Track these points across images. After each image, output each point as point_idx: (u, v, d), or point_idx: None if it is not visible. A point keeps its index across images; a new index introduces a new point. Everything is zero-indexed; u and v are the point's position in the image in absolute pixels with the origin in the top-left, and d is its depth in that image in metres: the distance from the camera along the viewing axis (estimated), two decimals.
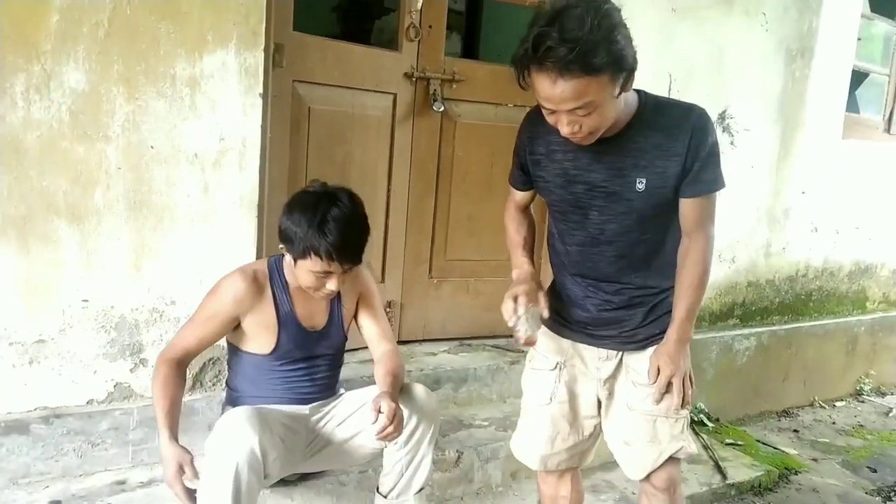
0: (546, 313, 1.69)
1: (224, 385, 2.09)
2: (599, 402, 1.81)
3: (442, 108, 2.71)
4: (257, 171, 2.18)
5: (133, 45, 1.94)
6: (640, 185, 1.59)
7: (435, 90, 2.71)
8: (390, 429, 1.75)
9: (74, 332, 2.00)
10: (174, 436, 1.69)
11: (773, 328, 3.75)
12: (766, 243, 3.67)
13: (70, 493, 1.93)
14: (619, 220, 1.64)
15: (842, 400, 4.11)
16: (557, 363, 1.81)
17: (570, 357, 1.80)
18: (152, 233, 2.06)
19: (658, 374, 1.68)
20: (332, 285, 1.79)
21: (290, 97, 2.41)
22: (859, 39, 3.88)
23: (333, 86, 2.52)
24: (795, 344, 3.84)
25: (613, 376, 1.77)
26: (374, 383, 2.03)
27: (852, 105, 4.07)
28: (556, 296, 1.82)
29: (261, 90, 2.15)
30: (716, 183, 1.59)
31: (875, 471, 3.21)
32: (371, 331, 2.02)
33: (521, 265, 1.82)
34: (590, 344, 1.77)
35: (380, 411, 1.75)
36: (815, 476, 3.01)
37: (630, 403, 1.73)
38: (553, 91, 1.41)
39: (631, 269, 1.69)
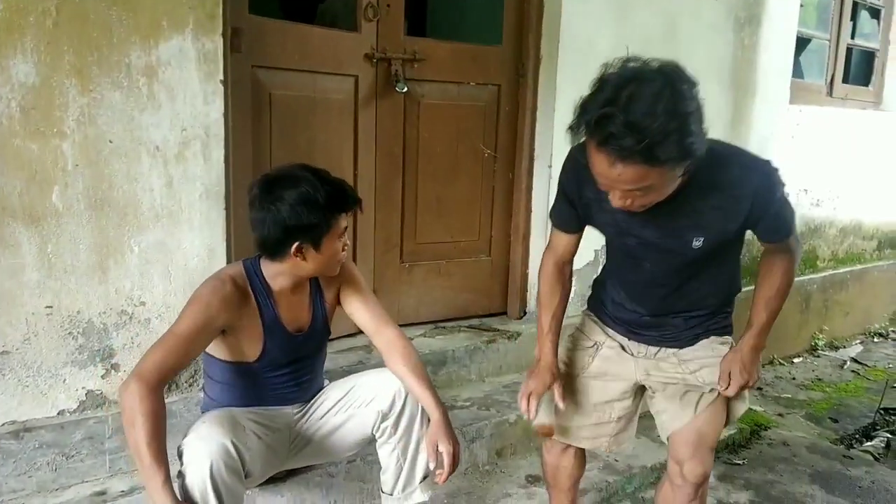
0: (562, 405, 1.73)
1: (201, 388, 2.02)
2: (636, 393, 1.83)
3: (405, 89, 2.66)
4: (222, 161, 2.11)
5: (84, 33, 1.83)
6: (698, 242, 1.54)
7: (396, 71, 2.66)
8: (450, 472, 1.74)
9: (40, 340, 1.89)
10: (169, 481, 1.49)
11: None
12: None
13: None
14: (674, 268, 1.62)
15: (799, 356, 4.28)
16: (595, 343, 1.83)
17: (610, 340, 1.82)
18: (116, 231, 1.96)
19: (729, 379, 1.69)
20: (346, 240, 1.77)
21: (250, 83, 2.33)
22: (802, 6, 3.98)
23: (293, 70, 2.44)
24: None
25: (656, 359, 1.78)
26: (352, 372, 2.00)
27: (797, 70, 4.19)
28: (601, 289, 1.84)
29: (221, 77, 2.07)
30: (790, 225, 1.61)
31: (836, 421, 3.36)
32: (365, 317, 1.92)
33: (543, 353, 1.77)
34: (630, 339, 1.79)
35: (438, 450, 1.73)
36: (784, 430, 3.12)
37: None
38: (610, 172, 1.33)
39: (683, 300, 1.69)
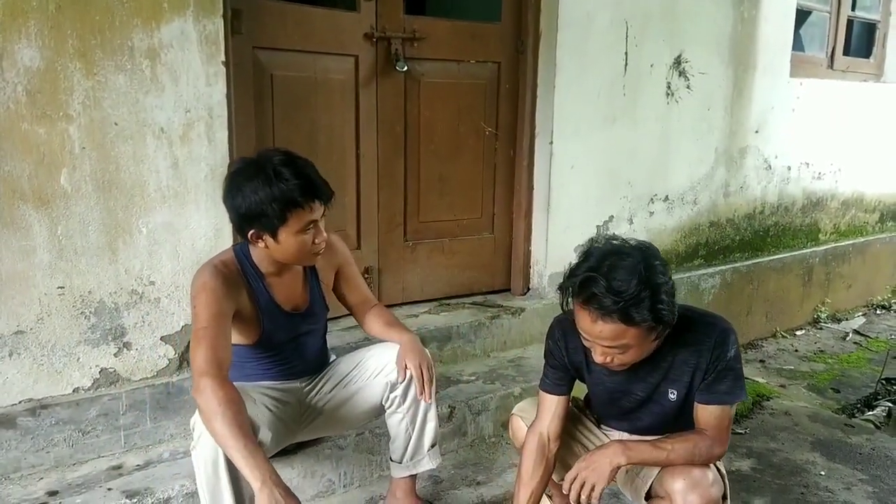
0: None
1: None
2: None
3: (405, 68, 2.68)
4: (226, 142, 2.14)
5: (86, 17, 1.86)
6: (672, 395, 1.72)
7: (396, 50, 2.67)
8: (427, 385, 1.81)
9: (53, 320, 1.94)
10: (277, 477, 1.49)
11: (736, 265, 3.88)
12: (725, 183, 3.78)
13: (66, 482, 1.90)
14: (656, 417, 1.78)
15: (801, 329, 4.31)
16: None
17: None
18: (124, 212, 2.00)
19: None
20: (320, 237, 1.73)
21: (252, 65, 2.35)
22: None
23: (294, 51, 2.46)
24: (756, 279, 3.99)
25: None
26: (359, 348, 2.05)
27: (797, 43, 4.18)
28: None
29: (223, 58, 2.09)
30: (728, 395, 1.67)
31: (838, 391, 3.39)
32: (354, 299, 2.02)
33: None
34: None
35: (406, 369, 1.81)
36: (786, 400, 3.16)
37: None
38: (592, 328, 1.53)
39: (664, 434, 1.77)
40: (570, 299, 1.57)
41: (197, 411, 1.62)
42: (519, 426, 1.90)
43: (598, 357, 1.60)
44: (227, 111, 2.13)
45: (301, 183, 1.65)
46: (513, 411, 1.95)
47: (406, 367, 1.84)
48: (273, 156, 1.68)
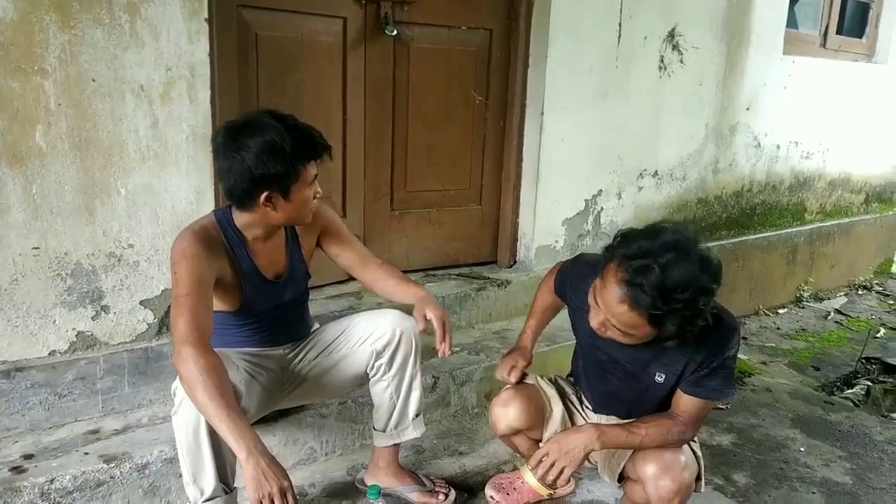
0: (511, 379, 1.91)
1: None
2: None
3: (395, 32, 2.61)
4: (209, 102, 2.07)
5: None
6: (660, 378, 1.68)
7: (386, 13, 2.60)
8: (448, 335, 1.77)
9: (28, 281, 1.89)
10: (262, 447, 1.45)
11: (722, 242, 3.88)
12: (714, 160, 3.76)
13: (42, 446, 1.87)
14: (637, 394, 1.75)
15: (784, 307, 4.34)
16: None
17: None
18: (101, 172, 1.94)
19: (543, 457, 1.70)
20: (318, 188, 1.72)
21: (236, 23, 2.27)
22: None
23: (280, 10, 2.39)
24: (742, 257, 4.00)
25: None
26: (343, 317, 2.01)
27: (791, 21, 4.14)
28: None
29: (206, 15, 2.02)
30: (717, 392, 1.64)
31: (818, 369, 3.43)
32: (351, 258, 1.94)
33: (523, 338, 2.01)
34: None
35: (427, 318, 1.76)
36: (767, 377, 3.18)
37: None
38: (615, 307, 1.47)
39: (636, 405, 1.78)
40: (608, 264, 1.49)
41: (178, 377, 1.59)
42: (498, 418, 1.89)
43: (594, 322, 1.57)
44: (209, 70, 2.07)
45: (308, 136, 1.64)
46: (494, 402, 1.93)
47: (426, 317, 1.78)
48: (263, 114, 1.64)
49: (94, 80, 1.88)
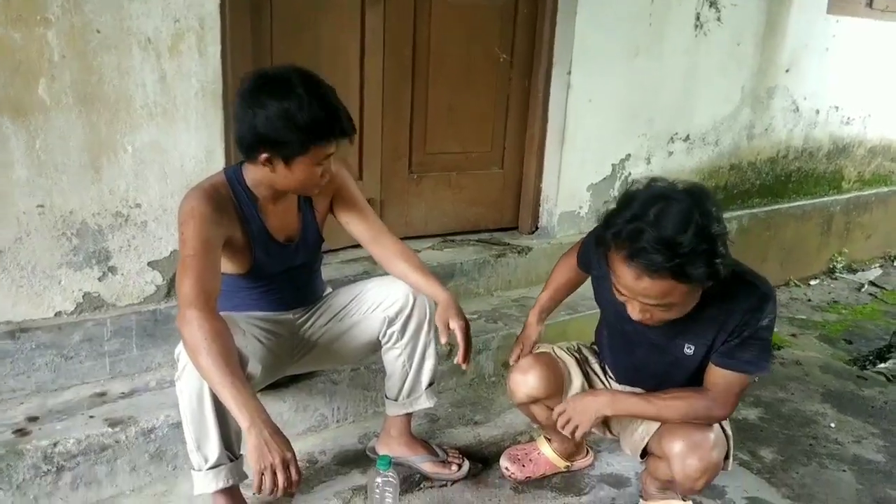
0: (511, 362, 1.85)
1: None
2: None
3: None
4: (219, 56, 1.98)
5: None
6: (689, 350, 1.56)
7: None
8: (469, 350, 1.69)
9: (32, 240, 1.84)
10: (266, 416, 1.40)
11: (754, 210, 3.74)
12: (750, 125, 3.59)
13: (47, 408, 1.84)
14: (665, 368, 1.63)
15: (816, 278, 4.18)
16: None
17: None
18: (108, 128, 1.87)
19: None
20: (329, 167, 1.61)
21: None
22: None
23: None
24: (774, 226, 3.85)
25: None
26: (359, 280, 1.94)
27: None
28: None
29: None
30: (750, 365, 1.51)
31: (850, 342, 3.30)
32: (360, 227, 1.84)
33: (532, 316, 1.90)
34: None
35: (449, 327, 1.67)
36: (797, 350, 3.07)
37: None
38: (636, 285, 1.36)
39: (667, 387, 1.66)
40: (604, 252, 1.40)
41: (181, 341, 1.53)
42: (517, 385, 1.80)
43: (635, 314, 1.45)
44: (220, 23, 1.97)
45: (329, 115, 1.51)
46: (513, 369, 1.84)
47: (448, 327, 1.69)
48: (297, 76, 1.51)
49: (98, 31, 1.80)
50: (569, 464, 2.02)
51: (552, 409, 1.84)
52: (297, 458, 1.41)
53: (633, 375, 1.76)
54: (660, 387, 1.65)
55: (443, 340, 1.70)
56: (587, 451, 2.08)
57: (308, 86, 1.51)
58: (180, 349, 1.52)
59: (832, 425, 2.41)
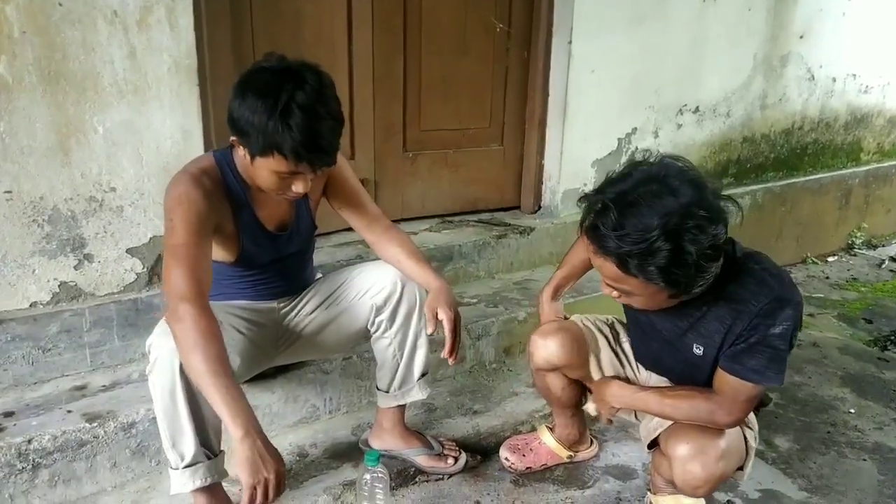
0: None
1: None
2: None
3: None
4: (191, 29, 1.87)
5: None
6: (698, 350, 1.46)
7: None
8: (457, 343, 1.58)
9: (1, 228, 1.74)
10: (258, 427, 1.33)
11: (768, 185, 3.59)
12: (763, 94, 3.43)
13: (24, 402, 1.75)
14: (681, 366, 1.54)
15: (834, 255, 4.04)
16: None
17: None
18: (75, 108, 1.76)
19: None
20: (299, 187, 1.45)
21: None
22: None
23: None
24: (790, 200, 3.70)
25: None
26: (352, 264, 1.83)
27: None
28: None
29: None
30: (755, 374, 1.36)
31: (871, 322, 3.16)
32: (358, 215, 1.73)
33: (544, 296, 1.81)
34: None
35: (437, 318, 1.56)
36: (814, 331, 2.94)
37: None
38: (593, 259, 1.31)
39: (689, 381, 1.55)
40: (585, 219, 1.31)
41: (155, 331, 1.44)
42: (537, 348, 1.71)
43: (603, 288, 1.38)
44: None
45: (303, 141, 1.34)
46: (535, 333, 1.74)
47: (437, 317, 1.57)
48: (303, 82, 1.36)
49: (61, 5, 1.69)
50: (572, 454, 1.92)
51: (569, 380, 1.76)
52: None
53: (657, 366, 1.66)
54: (682, 383, 1.55)
55: (429, 331, 1.59)
56: (591, 441, 1.98)
57: (300, 100, 1.34)
58: (151, 340, 1.43)
59: (852, 411, 2.29)
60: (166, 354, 1.40)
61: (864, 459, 2.02)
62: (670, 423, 1.54)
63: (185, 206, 1.42)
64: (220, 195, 1.51)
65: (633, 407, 1.57)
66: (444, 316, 1.56)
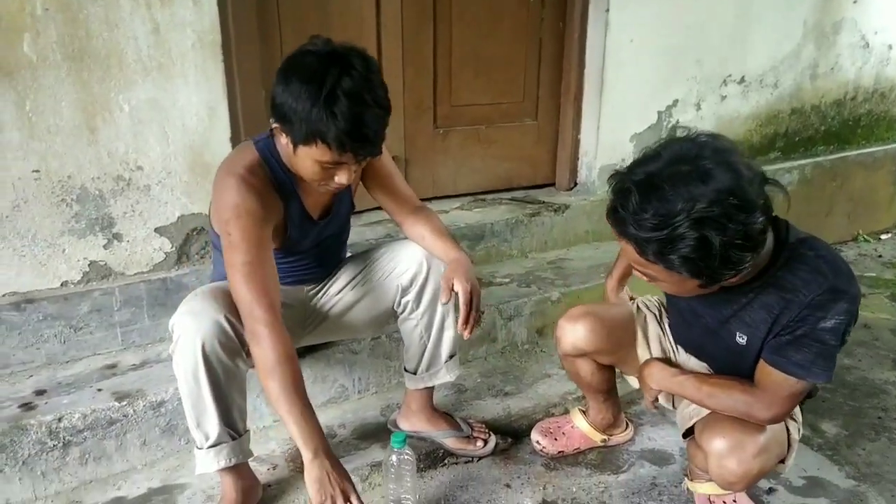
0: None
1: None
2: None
3: None
4: (215, 3, 1.84)
5: None
6: (742, 339, 1.38)
7: None
8: (472, 316, 1.52)
9: (31, 207, 1.75)
10: (328, 448, 1.36)
11: (818, 159, 3.42)
12: (813, 63, 3.25)
13: (56, 380, 1.77)
14: (723, 354, 1.45)
15: (887, 232, 3.84)
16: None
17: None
18: (100, 86, 1.75)
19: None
20: (342, 178, 1.39)
21: None
22: None
23: None
24: (841, 175, 3.52)
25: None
26: (379, 243, 1.79)
27: None
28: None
29: None
30: (799, 369, 1.26)
31: None
32: (391, 198, 1.68)
33: (614, 281, 1.76)
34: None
35: (453, 290, 1.52)
36: (865, 311, 2.80)
37: None
38: (618, 241, 1.24)
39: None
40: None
41: (179, 310, 1.43)
42: (564, 332, 1.65)
43: (633, 270, 1.31)
44: None
45: (348, 129, 1.28)
46: (563, 317, 1.67)
47: (453, 289, 1.53)
48: (350, 67, 1.30)
49: None
50: (605, 437, 1.86)
51: (599, 366, 1.70)
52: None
53: (699, 353, 1.58)
54: (723, 373, 1.47)
55: (443, 300, 1.55)
56: (626, 425, 1.91)
57: (346, 86, 1.28)
58: (174, 320, 1.42)
59: None
60: (189, 335, 1.38)
61: None
62: (707, 411, 1.47)
63: (243, 220, 1.37)
64: (271, 192, 1.46)
65: (671, 390, 1.50)
66: (459, 287, 1.51)
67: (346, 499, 1.33)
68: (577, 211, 2.72)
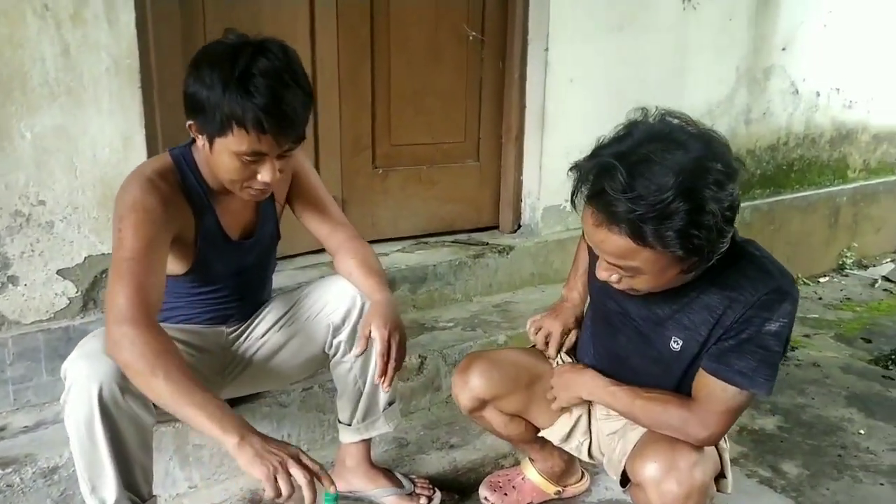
0: (557, 359, 1.56)
1: None
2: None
3: None
4: (133, 27, 1.70)
5: None
6: (676, 345, 1.29)
7: None
8: (390, 365, 1.39)
9: None
10: (252, 428, 1.15)
11: (756, 202, 3.46)
12: (746, 109, 3.33)
13: None
14: (648, 366, 1.36)
15: (825, 275, 3.90)
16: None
17: None
18: (0, 111, 1.58)
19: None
20: (265, 175, 1.27)
21: None
22: None
23: None
24: (778, 219, 3.57)
25: None
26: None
27: None
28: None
29: None
30: (742, 378, 1.19)
31: (870, 341, 3.00)
32: (319, 222, 1.56)
33: (572, 293, 1.62)
34: None
35: (369, 338, 1.38)
36: (812, 351, 2.78)
37: None
38: (595, 234, 1.13)
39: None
40: (577, 192, 1.14)
41: (71, 355, 1.24)
42: (459, 389, 1.52)
43: (600, 272, 1.20)
44: None
45: (265, 106, 1.19)
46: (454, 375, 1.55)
47: (369, 336, 1.41)
48: (265, 50, 1.22)
49: None
50: (559, 489, 1.72)
51: (508, 415, 1.55)
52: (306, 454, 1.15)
53: (615, 366, 1.43)
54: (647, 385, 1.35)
55: (355, 351, 1.43)
56: (582, 474, 1.78)
57: (262, 66, 1.19)
58: (67, 365, 1.24)
59: (861, 432, 2.12)
60: (83, 380, 1.19)
61: (882, 484, 1.85)
62: (632, 448, 1.35)
63: (137, 215, 1.24)
64: (180, 200, 1.33)
65: (601, 401, 1.38)
66: (376, 334, 1.38)
67: (297, 459, 1.12)
68: (521, 253, 2.63)
